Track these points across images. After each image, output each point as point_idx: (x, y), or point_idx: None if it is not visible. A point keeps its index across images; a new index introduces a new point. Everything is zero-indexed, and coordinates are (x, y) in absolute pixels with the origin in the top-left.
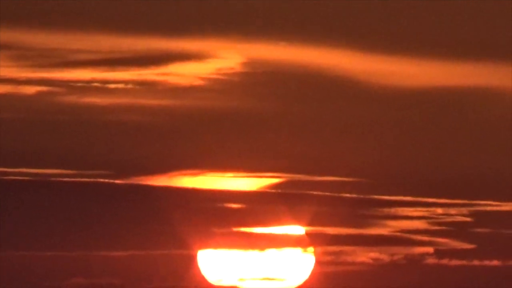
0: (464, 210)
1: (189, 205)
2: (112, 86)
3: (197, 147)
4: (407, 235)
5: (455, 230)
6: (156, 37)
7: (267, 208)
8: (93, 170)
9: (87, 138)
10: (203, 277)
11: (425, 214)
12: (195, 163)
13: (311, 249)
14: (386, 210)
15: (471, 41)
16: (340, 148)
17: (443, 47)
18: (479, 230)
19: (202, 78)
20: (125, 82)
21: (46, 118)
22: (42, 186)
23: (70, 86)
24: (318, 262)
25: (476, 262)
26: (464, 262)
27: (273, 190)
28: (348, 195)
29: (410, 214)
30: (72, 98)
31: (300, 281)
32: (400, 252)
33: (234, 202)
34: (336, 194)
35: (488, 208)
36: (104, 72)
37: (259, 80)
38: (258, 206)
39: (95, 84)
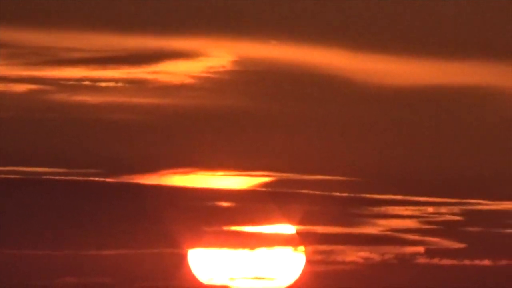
0: (455, 209)
1: (180, 203)
2: (103, 84)
3: (187, 145)
4: (398, 234)
5: (446, 229)
6: (147, 36)
7: (257, 207)
8: (83, 169)
9: (78, 137)
10: (193, 276)
11: (416, 213)
12: (186, 161)
13: (301, 248)
14: (377, 209)
15: (464, 40)
16: (331, 147)
17: (436, 45)
18: (470, 229)
19: (193, 77)
20: (116, 80)
21: (36, 116)
22: (32, 185)
23: (60, 84)
24: (309, 261)
25: (467, 262)
26: (455, 262)
27: (263, 189)
28: (338, 194)
29: (401, 213)
30: (63, 97)
31: (291, 280)
32: (391, 251)
33: (225, 201)
34: (326, 193)
35: (479, 207)
36: (95, 71)
37: (250, 78)
38: (248, 205)
39: (86, 82)
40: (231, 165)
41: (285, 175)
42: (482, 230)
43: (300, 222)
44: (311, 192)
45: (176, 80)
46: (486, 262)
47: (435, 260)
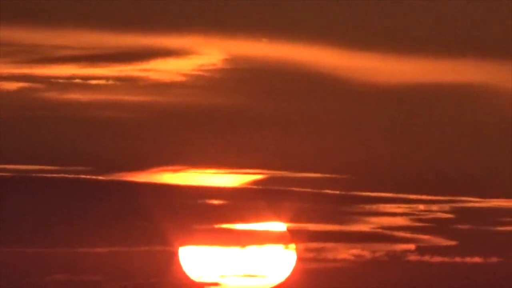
0: (446, 206)
1: (171, 201)
2: (94, 82)
3: (178, 143)
4: (389, 232)
5: (437, 226)
6: (137, 33)
7: (248, 204)
8: (74, 166)
9: (69, 134)
10: (184, 274)
11: (407, 210)
12: (177, 159)
13: (292, 245)
14: (368, 207)
15: (454, 38)
16: (322, 145)
17: (426, 44)
18: (461, 226)
19: (184, 75)
20: (107, 78)
21: (27, 114)
22: (23, 182)
23: (51, 82)
24: (300, 259)
25: (457, 259)
26: (445, 259)
27: (254, 187)
28: (330, 191)
29: (392, 210)
30: (53, 94)
31: (282, 278)
32: (382, 248)
33: (216, 199)
34: (318, 191)
35: (470, 205)
36: (86, 68)
37: (240, 76)
38: (239, 203)
39: (77, 80)
40: (222, 163)
41: (276, 173)
42: (472, 228)
43: (291, 220)
44: (302, 189)
45: (166, 78)
46: (476, 259)
47: (426, 258)
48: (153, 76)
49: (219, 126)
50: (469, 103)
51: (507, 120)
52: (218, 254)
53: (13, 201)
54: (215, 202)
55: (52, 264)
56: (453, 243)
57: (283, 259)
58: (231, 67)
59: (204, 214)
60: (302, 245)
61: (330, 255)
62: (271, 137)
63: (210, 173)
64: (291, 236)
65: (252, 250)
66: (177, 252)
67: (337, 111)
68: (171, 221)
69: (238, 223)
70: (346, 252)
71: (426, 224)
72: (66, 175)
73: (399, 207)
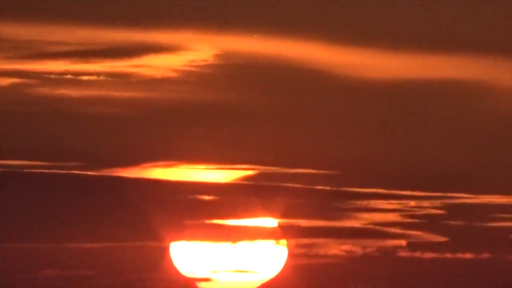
0: (437, 202)
1: (162, 197)
2: (85, 78)
3: (169, 139)
4: (380, 228)
5: (428, 222)
6: (129, 29)
7: (239, 200)
8: (65, 162)
9: (60, 130)
10: (175, 269)
11: (398, 206)
12: (168, 155)
13: (283, 241)
14: (359, 203)
15: (447, 34)
16: (313, 141)
17: (418, 39)
18: (452, 222)
19: (175, 70)
20: (98, 74)
21: (19, 110)
22: (14, 178)
23: (43, 78)
24: (291, 255)
25: (449, 255)
26: (437, 255)
27: (245, 182)
28: (321, 187)
29: (383, 206)
30: (45, 90)
31: (273, 274)
32: (373, 244)
33: (207, 194)
34: (309, 187)
35: (461, 201)
36: (77, 64)
37: (232, 72)
38: (230, 198)
39: (68, 76)
40: (213, 158)
41: (267, 169)
42: (464, 224)
43: (282, 216)
44: (293, 185)
45: (158, 73)
46: (468, 255)
47: (417, 254)
48: (144, 72)
49: (210, 122)
50: (462, 99)
51: (499, 117)
52: (209, 249)
53: (4, 196)
54: (206, 197)
55: (43, 260)
56: (444, 239)
57: (274, 255)
58: (223, 63)
59: (195, 210)
60: (293, 241)
61: (321, 251)
62: (263, 133)
63: (201, 168)
64: (282, 232)
65: (243, 245)
66: (168, 248)
67: (328, 107)
68: (162, 216)
69: (229, 218)
70: (337, 248)
71: (417, 220)
72: (58, 171)
73: (390, 203)
